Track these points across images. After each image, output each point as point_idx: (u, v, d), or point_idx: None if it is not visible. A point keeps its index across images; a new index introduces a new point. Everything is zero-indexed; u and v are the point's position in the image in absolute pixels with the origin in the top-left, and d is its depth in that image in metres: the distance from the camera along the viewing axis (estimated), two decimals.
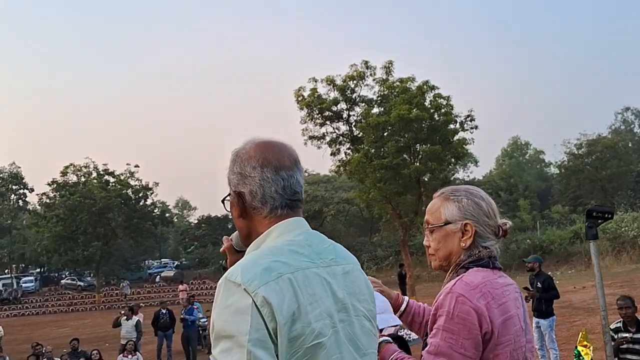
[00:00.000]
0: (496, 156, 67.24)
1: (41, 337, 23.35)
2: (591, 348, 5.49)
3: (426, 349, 1.56)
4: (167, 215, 45.63)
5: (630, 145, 50.13)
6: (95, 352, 12.52)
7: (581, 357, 5.38)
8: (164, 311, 15.95)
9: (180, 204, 79.48)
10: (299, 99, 21.08)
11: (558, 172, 48.32)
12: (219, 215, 60.13)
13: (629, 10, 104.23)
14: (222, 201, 1.45)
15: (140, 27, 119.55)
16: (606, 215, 3.76)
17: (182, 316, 15.42)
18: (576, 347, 5.62)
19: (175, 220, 60.33)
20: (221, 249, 1.57)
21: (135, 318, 15.01)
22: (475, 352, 1.50)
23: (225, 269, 1.64)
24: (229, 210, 1.42)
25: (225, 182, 1.43)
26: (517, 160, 63.57)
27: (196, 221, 63.99)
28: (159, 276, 46.25)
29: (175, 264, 56.84)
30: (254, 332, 1.10)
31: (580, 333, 5.75)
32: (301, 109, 21.23)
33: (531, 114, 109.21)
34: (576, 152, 44.05)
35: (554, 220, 39.66)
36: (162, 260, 61.19)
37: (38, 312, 37.12)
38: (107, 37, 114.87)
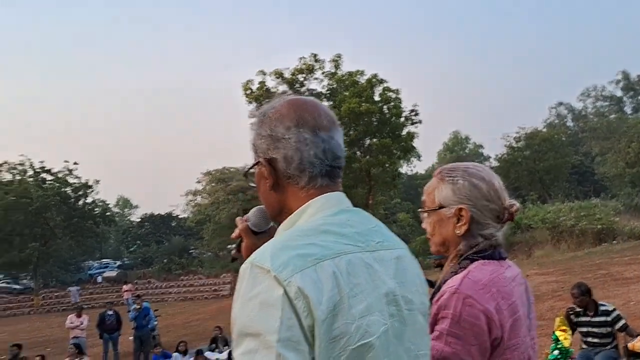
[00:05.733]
0: (438, 150, 69.02)
1: None
2: (570, 332, 5.56)
3: None
4: (108, 213, 44.13)
5: (564, 138, 52.32)
6: (38, 358, 11.88)
7: (559, 342, 5.44)
8: (110, 312, 15.36)
9: (120, 202, 77.29)
10: (247, 92, 20.78)
11: (497, 164, 49.87)
12: (162, 214, 58.87)
13: (563, 8, 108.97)
14: (245, 174, 1.22)
15: (77, 20, 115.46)
16: None
17: (134, 312, 14.92)
18: (554, 332, 5.68)
19: (117, 219, 58.49)
20: (233, 234, 1.33)
21: None
22: (482, 359, 1.36)
23: (235, 259, 1.37)
24: (254, 184, 1.20)
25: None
26: (457, 154, 65.43)
27: (138, 220, 62.45)
28: (100, 277, 44.79)
29: (117, 263, 55.17)
30: (285, 330, 0.91)
31: (557, 319, 5.83)
32: (249, 102, 20.92)
33: (470, 109, 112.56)
34: (515, 146, 45.58)
35: None
36: (103, 260, 59.28)
37: None
38: (40, 30, 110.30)
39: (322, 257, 0.98)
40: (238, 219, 1.35)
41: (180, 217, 58.33)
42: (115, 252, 64.43)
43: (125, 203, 78.37)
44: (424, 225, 1.61)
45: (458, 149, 68.77)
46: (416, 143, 21.80)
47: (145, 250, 52.16)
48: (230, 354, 12.94)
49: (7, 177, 37.85)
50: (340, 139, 1.18)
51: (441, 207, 1.54)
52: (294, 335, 0.92)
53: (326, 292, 0.95)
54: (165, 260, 46.00)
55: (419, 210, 1.63)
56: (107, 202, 50.80)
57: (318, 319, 0.93)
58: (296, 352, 0.91)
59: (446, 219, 1.53)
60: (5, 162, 37.85)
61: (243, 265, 1.00)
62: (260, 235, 1.30)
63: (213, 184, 47.97)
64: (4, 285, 44.14)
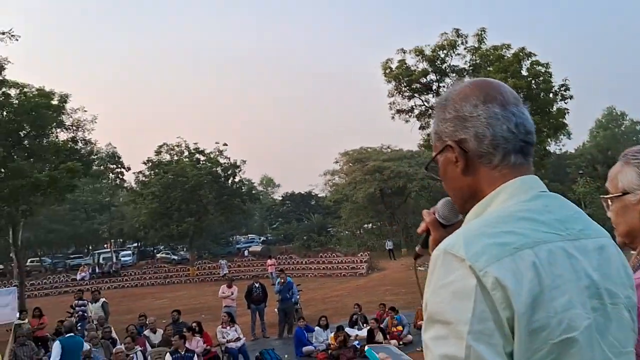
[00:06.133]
0: (589, 128, 63.54)
1: (141, 308, 24.59)
2: None
3: None
4: (254, 192, 46.64)
5: None
6: (194, 324, 12.83)
7: None
8: (257, 285, 16.24)
9: (264, 182, 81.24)
10: (387, 71, 20.58)
11: None
12: (302, 192, 61.06)
13: None
14: (427, 167, 1.19)
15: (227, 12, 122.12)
16: None
17: (279, 285, 15.69)
18: None
19: (261, 197, 61.78)
20: (420, 228, 1.28)
21: (101, 300, 15.59)
22: None
23: (419, 256, 1.34)
24: (437, 176, 1.17)
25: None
26: (612, 132, 59.77)
27: (280, 198, 65.41)
28: (247, 251, 47.58)
29: (261, 239, 58.28)
30: (477, 322, 0.89)
31: None
32: (389, 81, 20.69)
33: (627, 83, 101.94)
34: None
35: None
36: (249, 235, 62.94)
37: (137, 284, 39.06)
38: (194, 21, 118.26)
39: (520, 246, 0.94)
40: (425, 211, 1.29)
41: (319, 196, 60.26)
42: (260, 228, 68.15)
43: (268, 182, 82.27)
44: (608, 214, 1.48)
45: (613, 126, 62.77)
46: (567, 120, 20.35)
47: (287, 227, 54.45)
48: (369, 332, 13.15)
49: (167, 157, 41.35)
50: (529, 115, 1.11)
51: (625, 193, 1.41)
52: (486, 328, 0.89)
53: (525, 283, 0.91)
54: (305, 237, 47.65)
55: (602, 197, 1.50)
56: (253, 181, 53.76)
57: (517, 311, 0.89)
58: (487, 345, 0.89)
59: (631, 206, 1.40)
60: (165, 144, 41.40)
61: (435, 252, 0.98)
62: (449, 228, 1.25)
63: (350, 164, 48.66)
64: (164, 255, 48.70)
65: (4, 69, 18.92)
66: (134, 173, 44.69)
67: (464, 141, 1.09)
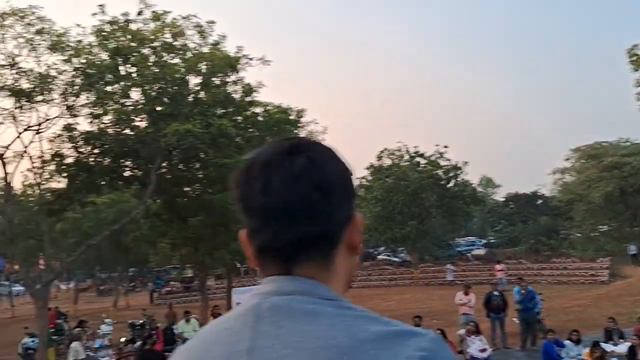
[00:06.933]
0: None
1: (371, 310, 25.56)
2: None
3: None
4: (476, 194, 45.54)
5: None
6: (438, 331, 12.85)
7: None
8: (496, 293, 15.71)
9: (483, 182, 78.79)
10: (632, 58, 18.42)
11: None
12: (527, 193, 57.74)
13: None
14: None
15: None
16: None
17: (519, 295, 15.08)
18: None
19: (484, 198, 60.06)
20: None
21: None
22: None
23: None
24: None
25: None
26: None
27: (503, 199, 62.78)
28: (470, 254, 46.53)
29: (482, 242, 56.46)
30: None
31: None
32: (635, 69, 18.52)
33: None
34: None
35: None
36: (468, 237, 61.44)
37: (363, 285, 40.64)
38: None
39: None
40: None
41: (546, 196, 56.47)
42: (479, 230, 66.06)
43: (488, 182, 79.65)
44: None
45: None
46: None
47: (511, 229, 51.99)
48: (631, 349, 11.86)
49: (387, 162, 42.52)
50: None
51: None
52: None
53: None
54: (532, 241, 45.03)
55: None
56: (472, 182, 52.51)
57: None
58: None
59: None
60: (386, 149, 42.65)
61: None
62: None
63: (583, 161, 44.99)
64: (385, 257, 50.05)
65: (255, 91, 21.19)
66: (357, 178, 46.78)
67: None
